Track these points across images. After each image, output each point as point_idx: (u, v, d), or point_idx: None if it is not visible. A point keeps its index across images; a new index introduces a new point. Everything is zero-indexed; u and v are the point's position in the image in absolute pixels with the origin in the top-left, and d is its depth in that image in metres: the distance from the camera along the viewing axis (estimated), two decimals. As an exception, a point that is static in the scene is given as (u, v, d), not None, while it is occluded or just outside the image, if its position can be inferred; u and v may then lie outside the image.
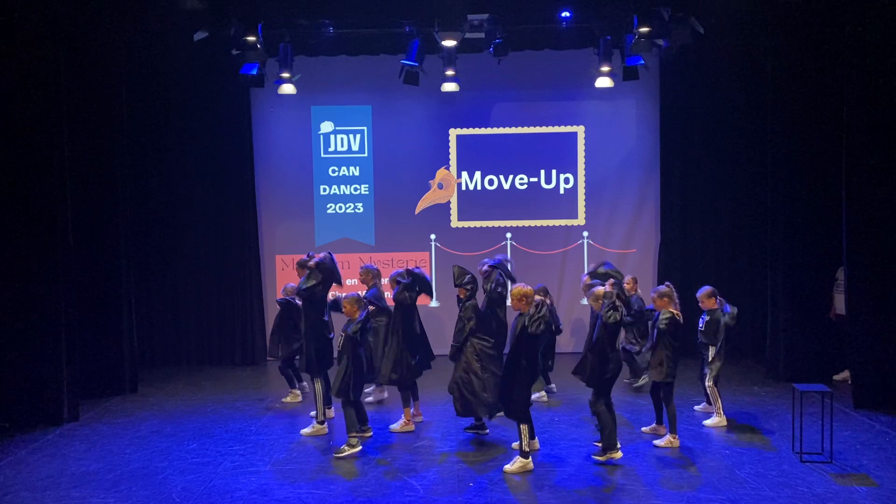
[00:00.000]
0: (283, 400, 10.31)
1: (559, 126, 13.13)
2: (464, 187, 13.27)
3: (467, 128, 13.18)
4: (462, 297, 8.46)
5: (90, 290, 10.35)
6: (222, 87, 12.46)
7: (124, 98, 10.84)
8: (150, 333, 12.64)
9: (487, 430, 8.65)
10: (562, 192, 13.18)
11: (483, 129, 13.18)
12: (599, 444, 8.09)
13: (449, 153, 13.21)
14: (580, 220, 13.17)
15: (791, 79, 10.65)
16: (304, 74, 11.90)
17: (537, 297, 7.77)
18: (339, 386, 8.13)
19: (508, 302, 8.33)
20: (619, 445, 7.75)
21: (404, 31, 11.25)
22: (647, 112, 13.02)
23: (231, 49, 10.68)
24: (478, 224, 13.25)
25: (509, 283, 8.82)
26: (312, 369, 8.85)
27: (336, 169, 13.22)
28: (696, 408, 9.54)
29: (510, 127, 13.16)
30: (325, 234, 13.22)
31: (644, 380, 10.41)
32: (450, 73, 11.48)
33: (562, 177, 13.16)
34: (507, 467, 7.54)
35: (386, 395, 10.27)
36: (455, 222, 13.29)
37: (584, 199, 13.15)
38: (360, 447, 8.09)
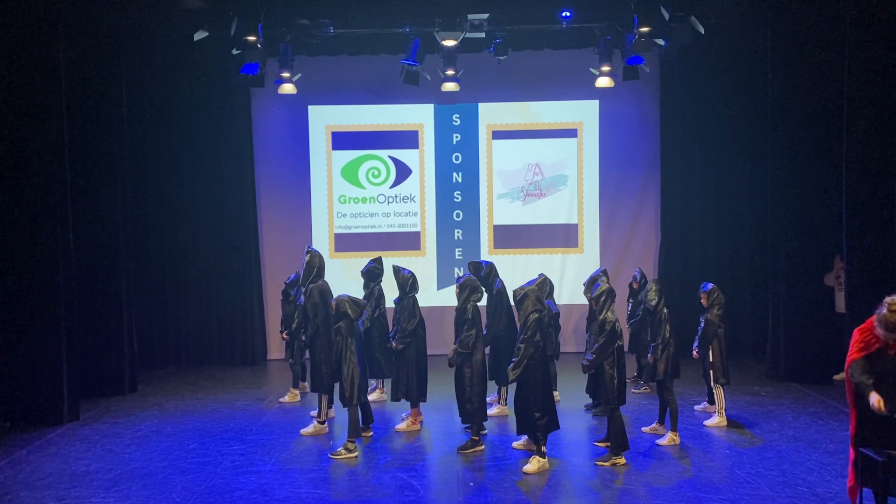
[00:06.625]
0: (281, 400, 10.31)
1: (559, 126, 13.14)
2: (464, 187, 13.29)
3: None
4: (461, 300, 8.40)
5: (90, 290, 10.36)
6: (222, 86, 12.47)
7: (125, 97, 10.86)
8: (150, 333, 12.64)
9: (486, 430, 8.63)
10: (562, 192, 13.18)
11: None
12: (600, 444, 8.10)
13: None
14: (580, 221, 13.17)
15: (791, 78, 10.65)
16: (304, 74, 11.90)
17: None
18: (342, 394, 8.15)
19: (512, 301, 8.30)
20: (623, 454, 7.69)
21: (404, 31, 11.25)
22: (647, 112, 13.02)
23: (231, 48, 10.69)
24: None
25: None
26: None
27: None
28: (696, 408, 9.53)
29: (510, 126, 13.16)
30: (324, 234, 13.24)
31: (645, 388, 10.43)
32: (450, 72, 11.47)
33: (562, 177, 13.17)
34: (527, 468, 7.48)
35: (385, 396, 10.26)
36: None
37: (584, 200, 13.16)
38: (357, 454, 8.03)
